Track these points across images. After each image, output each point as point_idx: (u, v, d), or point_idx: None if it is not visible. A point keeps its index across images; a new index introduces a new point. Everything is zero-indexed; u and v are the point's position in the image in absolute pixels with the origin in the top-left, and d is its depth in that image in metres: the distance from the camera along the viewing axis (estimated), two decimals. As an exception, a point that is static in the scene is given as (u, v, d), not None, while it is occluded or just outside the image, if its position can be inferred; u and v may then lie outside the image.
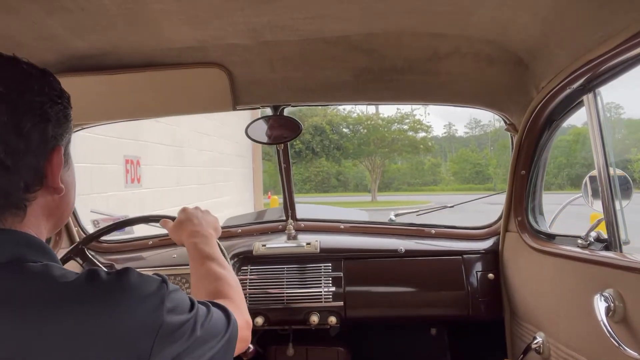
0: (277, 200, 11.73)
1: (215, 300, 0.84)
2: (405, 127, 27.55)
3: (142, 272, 0.67)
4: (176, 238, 1.20)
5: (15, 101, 0.64)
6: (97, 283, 0.62)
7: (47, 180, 0.69)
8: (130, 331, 0.60)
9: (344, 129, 29.62)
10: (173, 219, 1.30)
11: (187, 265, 1.99)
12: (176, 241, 1.20)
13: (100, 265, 2.12)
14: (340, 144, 28.68)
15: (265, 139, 1.94)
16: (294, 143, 20.46)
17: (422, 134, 28.64)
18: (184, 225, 1.17)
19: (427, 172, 36.26)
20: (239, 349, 0.84)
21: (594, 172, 1.34)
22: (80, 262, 1.75)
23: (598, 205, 1.34)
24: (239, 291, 0.98)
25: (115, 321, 0.59)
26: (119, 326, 0.59)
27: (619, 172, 1.31)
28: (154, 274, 0.70)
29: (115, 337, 0.58)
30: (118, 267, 2.07)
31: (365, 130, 28.83)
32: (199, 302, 0.73)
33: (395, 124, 27.65)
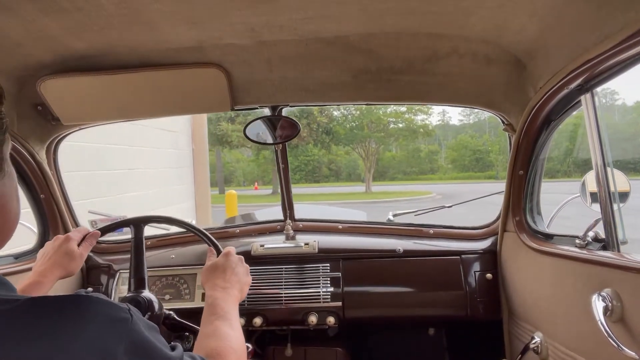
0: (234, 196, 9.61)
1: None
2: (403, 108, 25.15)
3: (108, 301, 0.61)
4: (203, 279, 1.20)
5: None
6: (45, 309, 0.56)
7: None
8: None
9: (334, 111, 26.26)
10: (218, 253, 1.33)
11: (185, 265, 2.00)
12: (202, 280, 1.20)
13: (100, 262, 2.11)
14: (329, 128, 25.59)
15: (263, 139, 1.94)
16: None
17: (420, 117, 26.28)
18: (216, 273, 1.17)
19: (424, 160, 34.77)
20: None
21: (592, 172, 1.34)
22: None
23: (596, 205, 1.34)
24: (241, 356, 0.93)
25: (67, 348, 0.53)
26: (70, 355, 0.53)
27: (616, 171, 1.31)
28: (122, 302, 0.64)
29: None
30: (116, 267, 2.07)
31: (358, 112, 26.14)
32: (189, 355, 0.69)
33: (392, 106, 24.97)
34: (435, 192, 21.95)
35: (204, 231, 1.51)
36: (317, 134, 25.21)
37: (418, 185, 27.00)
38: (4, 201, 0.65)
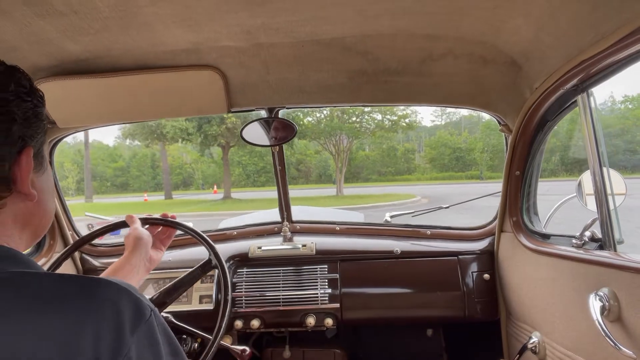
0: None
1: None
2: None
3: (134, 292, 0.62)
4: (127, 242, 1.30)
5: None
6: (67, 289, 0.57)
7: (16, 186, 0.63)
8: (92, 346, 0.54)
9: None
10: (216, 256, 1.45)
11: (182, 267, 1.99)
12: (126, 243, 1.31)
13: (97, 264, 2.11)
14: (291, 119, 23.78)
15: (260, 141, 1.94)
16: (225, 118, 18.14)
17: (401, 107, 22.25)
18: (139, 246, 1.30)
19: (401, 160, 31.94)
20: None
21: (588, 172, 1.35)
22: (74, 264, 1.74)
23: (592, 204, 1.35)
24: None
25: (75, 330, 0.54)
26: (80, 337, 0.54)
27: (612, 172, 1.32)
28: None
29: (75, 347, 0.53)
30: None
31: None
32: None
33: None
34: (420, 195, 19.41)
35: (202, 234, 1.51)
36: None
37: (397, 187, 24.73)
38: (43, 196, 0.69)
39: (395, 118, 21.72)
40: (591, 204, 1.36)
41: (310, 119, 22.35)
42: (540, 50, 1.29)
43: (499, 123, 1.82)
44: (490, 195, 2.30)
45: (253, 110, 1.91)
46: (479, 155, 27.87)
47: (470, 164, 29.15)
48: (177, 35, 1.30)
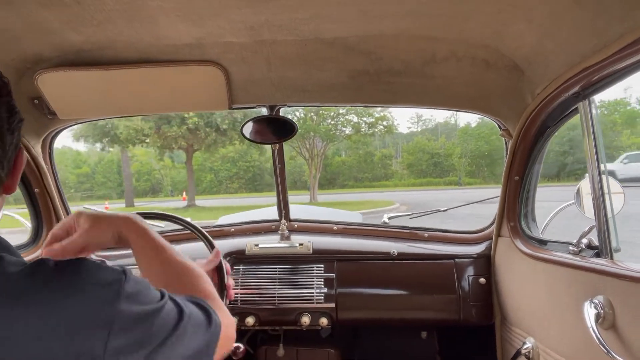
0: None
1: (195, 299, 0.76)
2: None
3: (100, 263, 0.63)
4: (104, 237, 0.87)
5: (7, 98, 0.64)
6: (44, 274, 0.58)
7: (8, 181, 0.68)
8: (81, 324, 0.55)
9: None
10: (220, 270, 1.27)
11: None
12: (105, 240, 0.88)
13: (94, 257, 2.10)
14: None
15: (260, 139, 1.94)
16: (187, 117, 16.60)
17: (381, 107, 20.38)
18: (106, 220, 0.88)
19: (378, 165, 30.64)
20: (226, 349, 0.77)
21: (587, 179, 1.35)
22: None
23: (590, 212, 1.35)
24: (211, 284, 0.88)
25: (64, 314, 0.55)
26: (69, 320, 0.55)
27: (611, 180, 1.32)
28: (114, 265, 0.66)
29: (65, 331, 0.54)
30: (109, 263, 2.05)
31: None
32: (173, 297, 0.68)
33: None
34: (399, 202, 18.15)
35: (201, 229, 1.50)
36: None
37: (375, 193, 23.44)
38: None
39: (372, 120, 20.42)
40: (589, 211, 1.36)
41: None
42: (542, 55, 1.29)
43: (500, 128, 1.82)
44: (488, 199, 2.30)
45: (254, 107, 1.90)
46: (457, 161, 27.29)
47: (449, 169, 28.45)
48: (180, 30, 1.29)
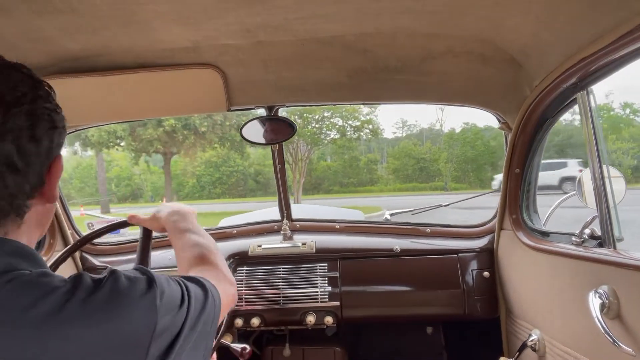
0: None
1: (198, 269, 0.90)
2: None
3: (127, 273, 0.65)
4: (155, 225, 1.21)
5: (30, 106, 0.64)
6: (86, 292, 0.59)
7: (44, 188, 0.68)
8: (127, 337, 0.58)
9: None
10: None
11: None
12: (155, 228, 1.21)
13: (97, 263, 2.11)
14: (242, 122, 13.29)
15: (259, 140, 1.94)
16: (163, 120, 16.07)
17: (367, 110, 20.11)
18: (161, 212, 1.18)
19: (363, 170, 30.10)
20: (229, 307, 0.90)
21: (588, 170, 1.35)
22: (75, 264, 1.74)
23: (592, 202, 1.35)
24: (219, 255, 1.01)
25: (110, 328, 0.58)
26: (115, 334, 0.58)
27: (612, 169, 1.32)
28: (136, 269, 0.68)
29: (112, 345, 0.57)
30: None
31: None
32: (184, 286, 0.72)
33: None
34: (385, 208, 16.63)
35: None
36: (222, 130, 17.79)
37: (361, 199, 22.85)
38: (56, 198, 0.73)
39: (358, 124, 20.39)
40: (591, 201, 1.36)
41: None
42: (539, 48, 1.29)
43: (499, 121, 1.82)
44: (489, 192, 2.30)
45: (252, 108, 1.90)
46: (444, 166, 26.99)
47: (435, 174, 28.00)
48: (176, 34, 1.29)
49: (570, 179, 15.06)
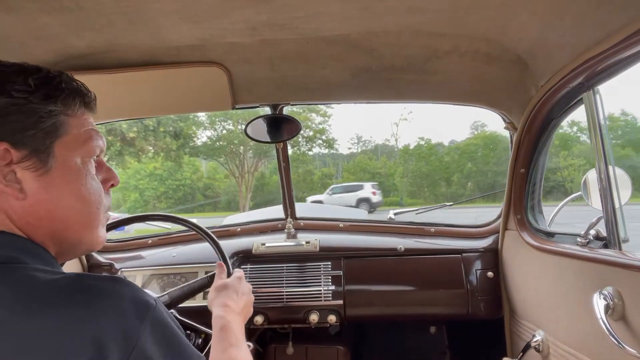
0: None
1: None
2: (297, 109, 15.78)
3: (137, 286, 0.64)
4: (212, 296, 1.14)
5: None
6: (81, 288, 0.59)
7: None
8: (102, 340, 0.56)
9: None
10: (228, 270, 1.28)
11: (187, 263, 2.00)
12: (210, 297, 1.14)
13: (102, 260, 2.12)
14: (179, 129, 16.05)
15: (264, 138, 1.95)
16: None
17: (320, 120, 19.32)
18: (228, 293, 1.12)
19: (317, 185, 28.28)
20: None
21: (593, 170, 1.34)
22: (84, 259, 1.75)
23: (597, 203, 1.34)
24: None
25: (87, 327, 0.56)
26: (90, 333, 0.56)
27: (618, 170, 1.31)
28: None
29: (84, 343, 0.55)
30: (117, 266, 2.07)
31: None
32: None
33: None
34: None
35: (219, 244, 1.48)
36: (156, 137, 15.35)
37: None
38: (44, 197, 0.68)
39: (311, 133, 19.55)
40: (596, 202, 1.36)
41: (210, 132, 18.82)
42: (545, 47, 1.29)
43: (504, 120, 1.81)
44: (495, 192, 2.30)
45: (257, 106, 1.91)
46: (399, 181, 25.95)
47: (390, 189, 26.47)
48: (182, 32, 1.30)
49: (365, 200, 17.25)
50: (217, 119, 17.85)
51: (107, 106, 1.72)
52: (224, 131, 18.54)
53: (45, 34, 1.25)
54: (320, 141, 19.36)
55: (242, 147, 18.67)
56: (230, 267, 1.37)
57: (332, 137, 19.89)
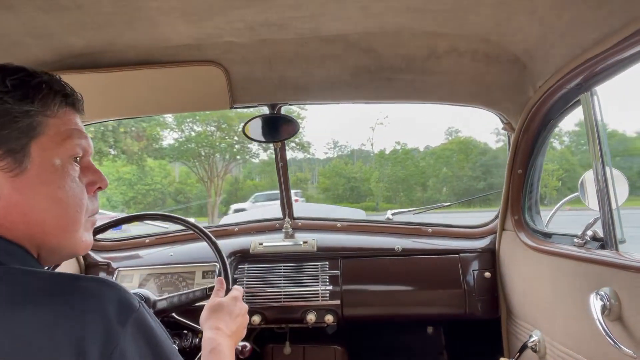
0: None
1: None
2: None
3: (123, 287, 0.64)
4: (206, 315, 1.12)
5: None
6: (65, 288, 0.59)
7: None
8: (84, 341, 0.56)
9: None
10: (227, 287, 1.27)
11: (184, 263, 2.00)
12: (204, 317, 1.12)
13: (99, 260, 2.11)
14: (142, 130, 15.45)
15: (262, 138, 1.94)
16: None
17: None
18: (221, 315, 1.10)
19: (293, 189, 28.95)
20: None
21: (591, 171, 1.34)
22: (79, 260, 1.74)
23: (594, 204, 1.34)
24: None
25: (69, 327, 0.56)
26: (72, 333, 0.56)
27: (615, 171, 1.31)
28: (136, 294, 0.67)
29: (66, 344, 0.55)
30: (114, 265, 2.07)
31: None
32: None
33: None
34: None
35: (205, 230, 1.49)
36: (116, 137, 14.57)
37: None
38: (19, 199, 0.65)
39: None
40: (593, 203, 1.36)
41: (176, 135, 17.73)
42: (544, 48, 1.29)
43: (502, 121, 1.81)
44: (495, 192, 2.30)
45: (255, 106, 1.91)
46: (375, 185, 25.50)
47: (366, 194, 26.29)
48: (180, 31, 1.30)
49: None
50: (185, 120, 16.86)
51: (104, 105, 1.72)
52: (192, 133, 17.60)
53: (44, 32, 1.25)
54: (293, 144, 17.94)
55: (211, 150, 17.81)
56: (230, 280, 1.37)
57: (307, 140, 18.97)
